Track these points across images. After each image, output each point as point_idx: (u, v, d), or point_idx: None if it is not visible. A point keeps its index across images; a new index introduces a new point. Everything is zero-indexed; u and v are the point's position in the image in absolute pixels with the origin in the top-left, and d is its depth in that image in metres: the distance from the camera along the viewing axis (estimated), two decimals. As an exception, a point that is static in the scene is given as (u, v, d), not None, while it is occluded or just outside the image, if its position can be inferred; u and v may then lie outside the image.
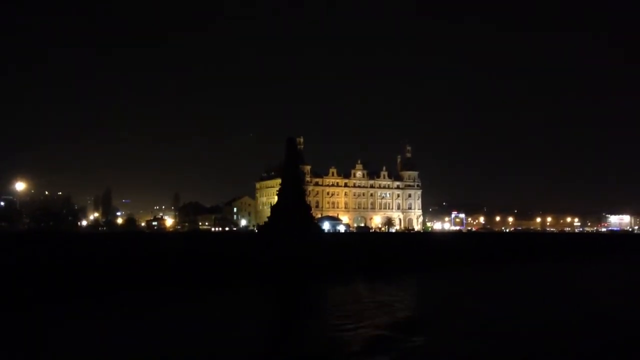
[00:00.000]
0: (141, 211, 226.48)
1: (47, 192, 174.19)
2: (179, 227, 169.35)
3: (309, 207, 74.94)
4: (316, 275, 48.32)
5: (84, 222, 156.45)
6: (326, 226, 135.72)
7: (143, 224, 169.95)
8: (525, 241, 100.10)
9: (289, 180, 73.28)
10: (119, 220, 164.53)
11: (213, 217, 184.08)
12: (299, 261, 49.11)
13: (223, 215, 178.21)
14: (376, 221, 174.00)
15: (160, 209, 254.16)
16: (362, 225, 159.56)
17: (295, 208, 67.95)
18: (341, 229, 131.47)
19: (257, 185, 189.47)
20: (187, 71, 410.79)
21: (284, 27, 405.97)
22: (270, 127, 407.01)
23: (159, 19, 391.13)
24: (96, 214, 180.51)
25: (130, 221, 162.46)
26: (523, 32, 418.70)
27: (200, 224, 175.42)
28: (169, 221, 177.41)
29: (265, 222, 74.75)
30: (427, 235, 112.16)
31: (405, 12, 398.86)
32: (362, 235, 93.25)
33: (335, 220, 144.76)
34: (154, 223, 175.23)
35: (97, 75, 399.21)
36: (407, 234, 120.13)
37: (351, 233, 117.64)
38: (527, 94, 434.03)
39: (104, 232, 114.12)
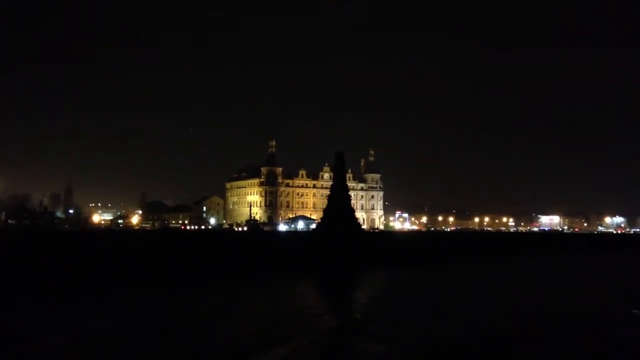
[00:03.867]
0: (91, 205, 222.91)
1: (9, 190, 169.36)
2: (146, 225, 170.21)
3: (353, 210, 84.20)
4: (371, 263, 59.56)
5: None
6: (301, 225, 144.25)
7: (97, 221, 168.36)
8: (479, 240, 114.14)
9: (338, 188, 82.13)
10: (59, 214, 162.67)
11: (181, 215, 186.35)
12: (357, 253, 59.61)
13: (195, 213, 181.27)
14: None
15: (114, 207, 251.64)
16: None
17: (343, 211, 77.01)
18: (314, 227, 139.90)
19: (228, 185, 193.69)
20: (159, 72, 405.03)
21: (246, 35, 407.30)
22: (236, 131, 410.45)
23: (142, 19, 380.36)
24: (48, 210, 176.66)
25: (86, 219, 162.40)
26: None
27: (166, 222, 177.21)
28: (134, 219, 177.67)
29: (319, 224, 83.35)
30: (397, 235, 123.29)
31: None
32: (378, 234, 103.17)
33: (308, 219, 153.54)
34: (120, 221, 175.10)
35: (63, 75, 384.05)
36: (391, 233, 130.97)
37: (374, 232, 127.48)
38: (468, 95, 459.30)
39: (104, 230, 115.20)
